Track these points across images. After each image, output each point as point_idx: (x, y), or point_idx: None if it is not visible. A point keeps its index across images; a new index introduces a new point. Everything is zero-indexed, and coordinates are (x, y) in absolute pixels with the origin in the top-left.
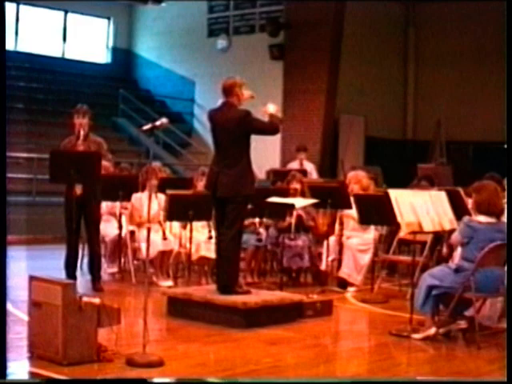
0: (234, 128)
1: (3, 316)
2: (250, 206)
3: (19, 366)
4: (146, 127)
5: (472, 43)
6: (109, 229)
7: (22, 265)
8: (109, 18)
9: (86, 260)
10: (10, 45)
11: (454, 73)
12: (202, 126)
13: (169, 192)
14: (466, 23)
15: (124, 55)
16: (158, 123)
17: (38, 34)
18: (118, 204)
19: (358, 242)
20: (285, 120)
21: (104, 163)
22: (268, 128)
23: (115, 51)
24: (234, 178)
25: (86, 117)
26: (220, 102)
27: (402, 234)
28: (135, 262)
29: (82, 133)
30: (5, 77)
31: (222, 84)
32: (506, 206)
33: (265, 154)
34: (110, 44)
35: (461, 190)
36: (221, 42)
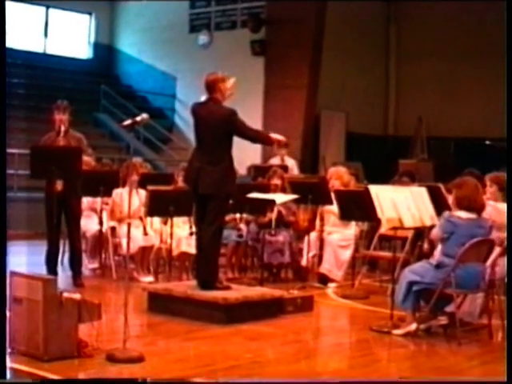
0: (218, 125)
1: (3, 316)
2: (230, 202)
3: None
4: (126, 123)
5: (453, 40)
6: (90, 224)
7: None
8: (90, 14)
9: (66, 255)
10: None
11: (435, 69)
12: (183, 121)
13: (149, 188)
14: (447, 20)
15: (105, 51)
16: (138, 119)
17: (19, 29)
18: (98, 200)
19: (338, 238)
20: (266, 115)
21: (86, 158)
22: (250, 135)
23: (97, 47)
24: (216, 175)
25: (66, 113)
26: (204, 97)
27: (383, 229)
28: (116, 257)
29: (62, 128)
30: (5, 76)
31: (204, 80)
32: (487, 202)
33: (246, 149)
34: (92, 39)
35: (441, 186)
36: (202, 38)
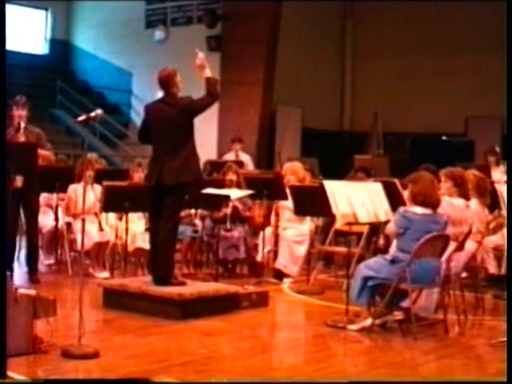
0: (182, 116)
1: (3, 315)
2: (186, 197)
3: None
4: (80, 118)
5: (409, 36)
6: (45, 220)
7: None
8: (46, 9)
9: (23, 252)
10: None
11: (392, 65)
12: (140, 117)
13: (105, 183)
14: (404, 16)
15: (62, 46)
16: (92, 114)
17: None
18: (54, 195)
19: (294, 234)
20: (222, 111)
21: (45, 153)
22: (210, 101)
23: (53, 42)
24: (180, 165)
25: (25, 109)
26: (160, 94)
27: (338, 225)
28: (72, 253)
29: (22, 125)
30: (5, 76)
31: (157, 77)
32: (442, 197)
33: (202, 145)
34: (48, 35)
35: (397, 182)
36: (158, 34)
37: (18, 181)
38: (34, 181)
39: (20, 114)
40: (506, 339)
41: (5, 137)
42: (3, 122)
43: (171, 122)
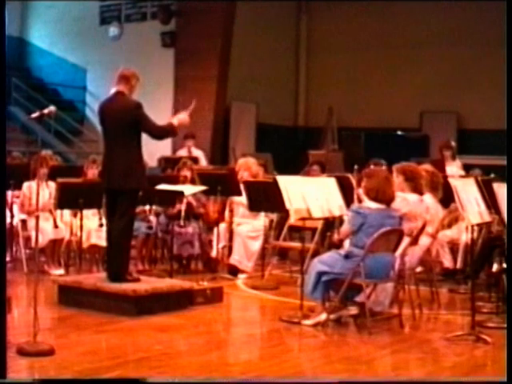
0: (124, 117)
1: (3, 314)
2: (140, 194)
3: None
4: (34, 115)
5: (363, 31)
6: None
7: None
8: None
9: None
10: None
11: (346, 60)
12: (94, 114)
13: (59, 180)
14: (358, 12)
15: (16, 43)
16: (46, 111)
17: None
18: (9, 193)
19: (248, 229)
20: (176, 107)
21: None
22: (154, 132)
23: (7, 39)
24: (124, 169)
25: None
26: (112, 90)
27: (292, 220)
28: (27, 250)
29: None
30: (5, 75)
31: (120, 72)
32: (396, 193)
33: (156, 141)
34: None
35: (351, 177)
36: (113, 30)
37: None
38: None
39: None
40: (506, 342)
41: (5, 136)
42: (3, 123)
43: (116, 119)
